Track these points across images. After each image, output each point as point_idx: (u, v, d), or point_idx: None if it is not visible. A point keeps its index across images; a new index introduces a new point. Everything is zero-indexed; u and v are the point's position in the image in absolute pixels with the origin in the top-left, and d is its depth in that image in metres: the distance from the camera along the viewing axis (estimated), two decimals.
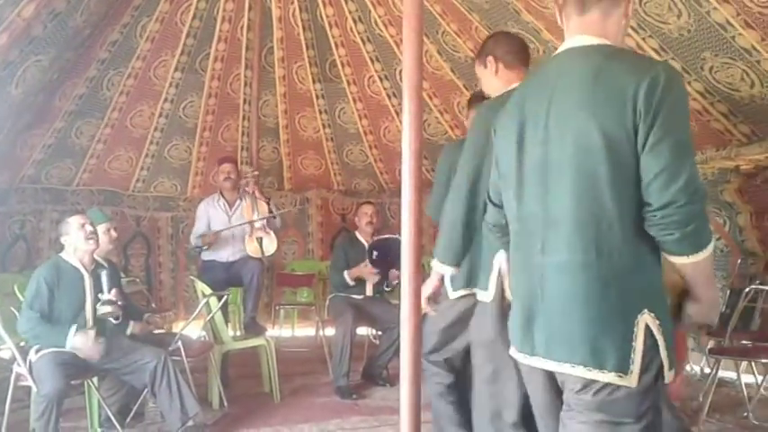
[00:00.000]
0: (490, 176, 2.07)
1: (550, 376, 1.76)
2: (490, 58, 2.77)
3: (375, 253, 4.91)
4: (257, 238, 4.89)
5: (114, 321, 3.47)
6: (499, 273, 2.51)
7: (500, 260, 2.49)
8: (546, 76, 1.77)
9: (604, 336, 1.58)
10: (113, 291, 3.42)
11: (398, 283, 3.31)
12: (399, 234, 2.58)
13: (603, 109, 1.58)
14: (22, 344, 3.53)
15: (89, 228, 3.49)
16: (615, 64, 1.63)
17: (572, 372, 1.62)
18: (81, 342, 3.28)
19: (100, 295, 3.40)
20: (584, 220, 1.60)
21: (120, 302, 3.44)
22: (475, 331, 2.71)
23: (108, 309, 3.36)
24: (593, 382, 1.60)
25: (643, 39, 4.13)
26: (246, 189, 5.10)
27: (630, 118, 1.55)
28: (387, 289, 5.09)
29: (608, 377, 1.58)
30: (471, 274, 2.70)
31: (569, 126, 1.63)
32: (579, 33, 1.74)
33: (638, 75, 1.56)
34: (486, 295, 2.58)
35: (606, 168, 1.57)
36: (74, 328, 3.30)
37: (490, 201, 2.07)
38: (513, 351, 1.85)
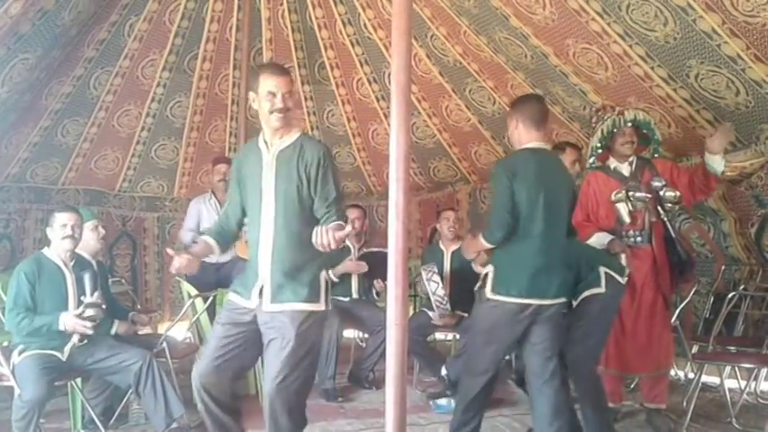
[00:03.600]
0: None
1: None
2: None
3: (362, 251, 4.91)
4: (246, 240, 4.87)
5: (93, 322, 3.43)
6: None
7: None
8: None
9: None
10: (96, 293, 3.38)
11: (385, 290, 3.31)
12: (386, 243, 2.59)
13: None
14: (6, 344, 3.50)
15: (68, 230, 3.45)
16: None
17: None
18: (70, 321, 3.28)
19: (83, 298, 3.37)
20: None
21: (103, 305, 3.40)
22: None
23: (91, 312, 3.32)
24: None
25: (630, 46, 4.16)
26: None
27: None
28: (377, 297, 5.09)
29: None
30: None
31: None
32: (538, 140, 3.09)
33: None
34: None
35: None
36: (63, 314, 3.29)
37: None
38: None
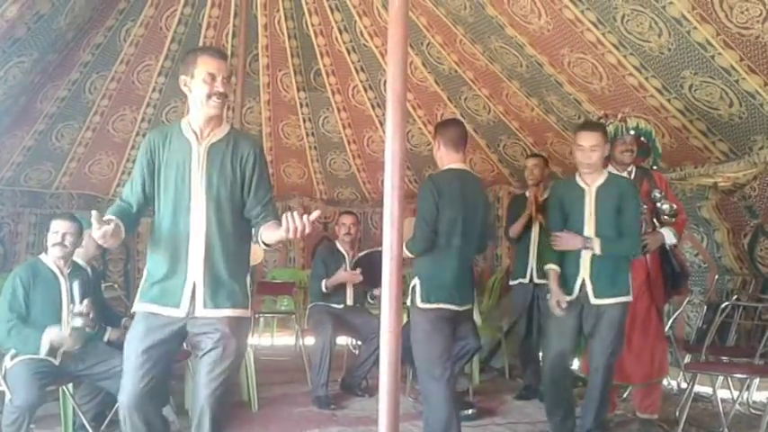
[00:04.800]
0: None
1: None
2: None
3: (359, 269, 4.89)
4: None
5: (87, 330, 3.39)
6: None
7: None
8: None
9: None
10: (85, 302, 3.33)
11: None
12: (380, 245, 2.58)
13: None
14: None
15: (58, 237, 3.43)
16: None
17: None
18: (55, 335, 3.23)
19: (71, 306, 3.34)
20: None
21: (91, 314, 3.35)
22: None
23: (79, 322, 3.26)
24: None
25: (624, 56, 4.19)
26: None
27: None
28: (371, 301, 5.08)
29: None
30: None
31: None
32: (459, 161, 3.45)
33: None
34: None
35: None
36: (47, 331, 3.25)
37: None
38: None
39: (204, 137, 2.51)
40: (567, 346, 3.51)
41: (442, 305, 3.32)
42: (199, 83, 2.46)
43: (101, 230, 2.25)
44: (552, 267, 3.50)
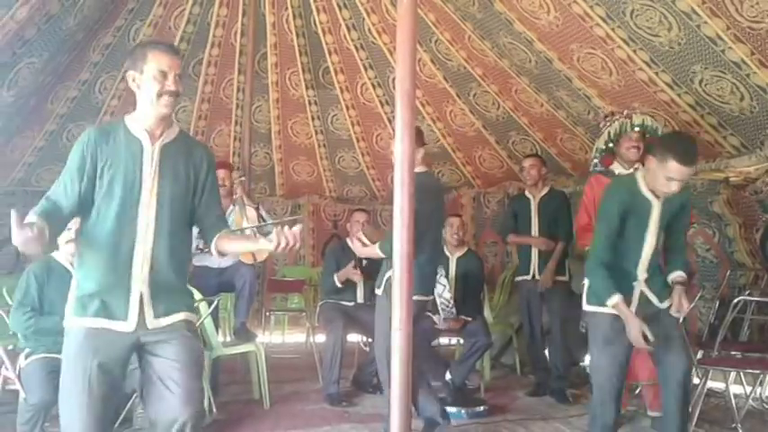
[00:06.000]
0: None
1: None
2: None
3: (365, 261, 4.90)
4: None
5: None
6: None
7: None
8: None
9: None
10: None
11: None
12: None
13: None
14: (11, 347, 3.50)
15: (73, 234, 3.47)
16: None
17: None
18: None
19: None
20: None
21: None
22: None
23: None
24: None
25: (634, 51, 4.17)
26: (234, 195, 5.07)
27: None
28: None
29: None
30: None
31: None
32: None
33: None
34: None
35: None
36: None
37: None
38: None
39: (157, 137, 2.31)
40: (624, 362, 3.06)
41: (418, 297, 3.37)
42: (149, 80, 2.26)
43: (21, 236, 1.95)
44: (616, 298, 2.88)
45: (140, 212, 2.24)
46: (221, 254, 2.39)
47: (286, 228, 2.10)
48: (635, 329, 2.82)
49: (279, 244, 2.10)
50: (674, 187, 2.85)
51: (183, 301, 2.34)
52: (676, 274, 3.06)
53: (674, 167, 2.79)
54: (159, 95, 2.26)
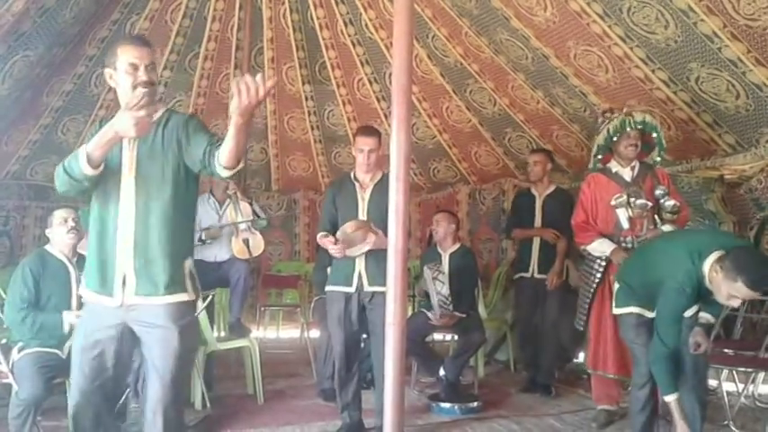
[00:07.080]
0: None
1: None
2: None
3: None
4: (243, 240, 4.87)
5: None
6: None
7: None
8: None
9: None
10: None
11: None
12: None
13: None
14: (4, 341, 3.49)
15: (71, 222, 3.48)
16: None
17: None
18: (74, 318, 3.24)
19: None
20: None
21: None
22: None
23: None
24: None
25: (630, 48, 4.17)
26: (228, 190, 5.06)
27: None
28: None
29: None
30: None
31: None
32: None
33: None
34: None
35: None
36: (66, 313, 3.29)
37: None
38: None
39: None
40: None
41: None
42: (122, 74, 2.33)
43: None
44: (674, 398, 3.03)
45: (122, 194, 2.34)
46: (229, 167, 2.27)
47: (247, 75, 1.98)
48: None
49: (240, 98, 1.96)
50: (734, 303, 2.89)
51: (170, 282, 2.32)
52: (703, 316, 3.14)
53: (742, 290, 2.72)
54: (134, 88, 2.30)
